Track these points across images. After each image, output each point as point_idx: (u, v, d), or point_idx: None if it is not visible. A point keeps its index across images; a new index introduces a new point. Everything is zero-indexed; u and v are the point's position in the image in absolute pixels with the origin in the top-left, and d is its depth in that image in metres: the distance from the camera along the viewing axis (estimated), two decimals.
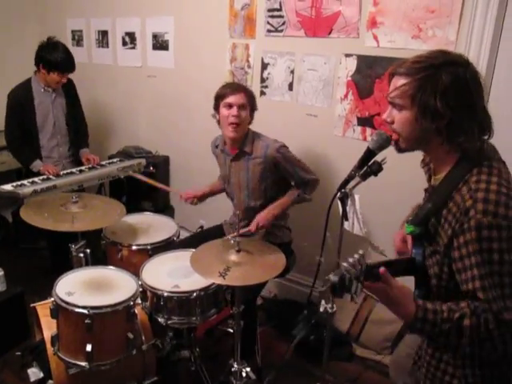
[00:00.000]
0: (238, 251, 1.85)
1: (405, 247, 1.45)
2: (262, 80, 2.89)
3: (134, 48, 3.60)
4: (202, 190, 2.53)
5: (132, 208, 2.63)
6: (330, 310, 1.83)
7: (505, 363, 1.16)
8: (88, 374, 1.87)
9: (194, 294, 1.92)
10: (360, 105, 2.52)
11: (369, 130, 2.51)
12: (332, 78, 2.59)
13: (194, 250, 1.99)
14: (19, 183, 2.72)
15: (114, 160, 3.32)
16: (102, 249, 2.40)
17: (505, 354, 1.10)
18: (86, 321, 1.78)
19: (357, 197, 1.69)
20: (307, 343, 2.51)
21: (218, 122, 2.28)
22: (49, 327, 1.93)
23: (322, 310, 1.83)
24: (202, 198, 2.53)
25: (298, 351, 2.51)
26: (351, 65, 2.50)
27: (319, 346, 2.08)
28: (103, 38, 3.80)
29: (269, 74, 2.85)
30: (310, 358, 2.46)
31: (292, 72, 2.74)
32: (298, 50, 2.69)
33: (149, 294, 1.99)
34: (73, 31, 4.01)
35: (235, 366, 2.04)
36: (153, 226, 2.51)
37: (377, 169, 1.49)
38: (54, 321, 1.88)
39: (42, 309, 2.01)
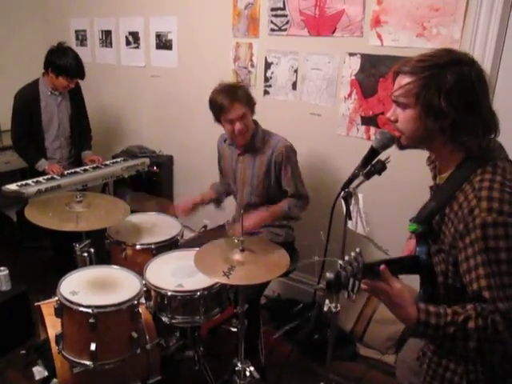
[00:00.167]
0: (242, 250, 1.85)
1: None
2: (266, 79, 2.89)
3: (137, 48, 3.61)
4: (192, 201, 2.46)
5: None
6: (333, 310, 1.83)
7: (506, 361, 1.14)
8: (92, 373, 1.87)
9: (198, 294, 1.92)
10: (364, 104, 2.51)
11: (373, 129, 2.50)
12: (336, 77, 2.59)
13: (197, 249, 2.00)
14: (24, 183, 2.73)
15: (118, 159, 3.33)
16: (106, 248, 2.40)
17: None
18: (90, 320, 1.78)
19: (360, 196, 1.68)
20: (311, 342, 2.51)
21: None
22: (53, 326, 1.93)
23: (326, 309, 1.82)
24: (193, 209, 2.45)
25: (301, 350, 2.51)
26: (355, 64, 2.49)
27: (323, 346, 2.07)
28: (107, 37, 3.81)
29: (272, 73, 2.85)
30: (313, 357, 2.46)
31: (296, 71, 2.74)
32: (301, 49, 2.69)
33: (153, 293, 1.99)
34: (76, 31, 4.02)
35: (239, 365, 2.04)
36: (157, 226, 2.51)
37: (380, 168, 1.48)
38: (59, 320, 1.88)
39: (47, 308, 2.01)
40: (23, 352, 2.35)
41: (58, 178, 2.86)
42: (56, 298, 1.87)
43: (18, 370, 2.32)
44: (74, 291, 1.89)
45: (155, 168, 3.38)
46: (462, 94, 1.09)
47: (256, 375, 2.06)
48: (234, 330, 2.11)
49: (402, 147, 1.24)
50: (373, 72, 2.44)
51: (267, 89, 2.89)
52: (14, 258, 2.93)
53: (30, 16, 4.12)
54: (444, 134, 1.14)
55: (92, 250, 2.32)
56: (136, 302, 1.90)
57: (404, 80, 1.15)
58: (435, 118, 1.11)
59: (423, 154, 1.37)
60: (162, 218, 2.63)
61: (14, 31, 4.01)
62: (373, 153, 1.47)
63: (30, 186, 2.68)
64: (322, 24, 2.56)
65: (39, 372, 2.17)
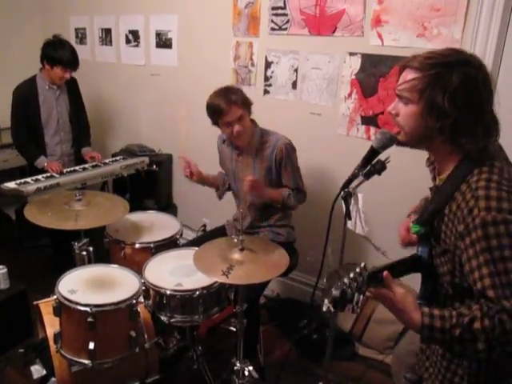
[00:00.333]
0: (242, 250, 1.85)
1: (409, 236, 1.43)
2: (266, 78, 2.88)
3: (137, 46, 3.60)
4: (201, 172, 2.45)
5: (135, 206, 2.64)
6: (332, 310, 1.83)
7: (509, 362, 1.12)
8: (91, 372, 1.87)
9: (197, 293, 1.92)
10: (364, 104, 2.51)
11: (373, 129, 2.50)
12: (336, 77, 2.58)
13: (197, 248, 1.99)
14: (23, 181, 2.73)
15: (117, 158, 3.33)
16: (104, 247, 2.40)
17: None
18: (89, 319, 1.78)
19: (360, 196, 1.68)
20: (310, 342, 2.51)
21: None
22: (52, 325, 1.93)
23: (324, 309, 1.82)
24: (198, 177, 2.43)
25: (300, 350, 2.51)
26: (355, 63, 2.49)
27: (322, 346, 2.08)
28: (106, 35, 3.80)
29: (272, 72, 2.85)
30: (312, 357, 2.46)
31: (296, 70, 2.73)
32: (301, 49, 2.68)
33: (152, 292, 1.98)
34: (76, 29, 4.02)
35: (238, 364, 2.04)
36: (156, 225, 2.51)
37: (380, 168, 1.48)
38: (57, 318, 1.88)
39: (45, 306, 2.01)
40: (21, 351, 2.34)
41: (57, 176, 2.86)
42: (54, 297, 1.87)
43: (16, 369, 2.31)
44: (72, 290, 1.89)
45: (154, 167, 3.38)
46: (466, 95, 1.09)
47: (255, 375, 2.06)
48: (233, 329, 2.11)
49: (399, 143, 1.24)
50: (373, 72, 2.43)
51: (267, 88, 2.89)
52: (12, 256, 2.93)
53: (30, 14, 4.12)
54: (443, 134, 1.13)
55: (91, 248, 2.32)
56: (135, 301, 1.90)
57: (410, 75, 1.14)
58: (436, 117, 1.11)
59: (423, 155, 1.36)
60: (161, 217, 2.63)
61: (13, 29, 4.01)
62: (373, 153, 1.47)
63: (29, 184, 2.67)
64: (323, 23, 2.55)
65: (37, 371, 2.17)
